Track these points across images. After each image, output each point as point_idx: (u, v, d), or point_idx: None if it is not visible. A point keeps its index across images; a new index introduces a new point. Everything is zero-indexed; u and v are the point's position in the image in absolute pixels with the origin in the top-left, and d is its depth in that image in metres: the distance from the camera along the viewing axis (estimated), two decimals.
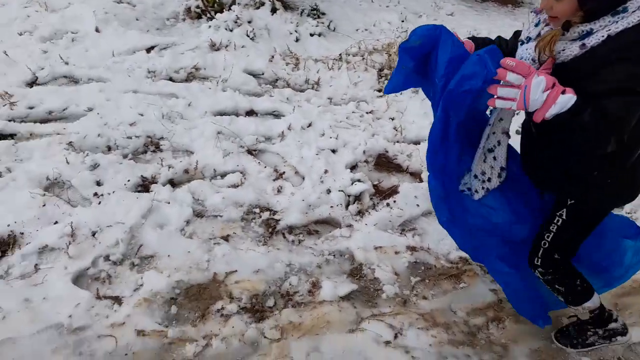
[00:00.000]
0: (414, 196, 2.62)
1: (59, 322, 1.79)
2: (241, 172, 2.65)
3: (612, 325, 1.86)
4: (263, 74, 3.68)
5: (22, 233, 2.10)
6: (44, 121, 2.83)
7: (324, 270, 2.18)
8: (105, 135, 2.72)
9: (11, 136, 2.67)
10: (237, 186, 2.56)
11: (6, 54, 3.30)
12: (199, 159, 2.65)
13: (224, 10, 4.25)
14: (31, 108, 2.87)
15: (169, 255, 2.12)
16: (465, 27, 5.12)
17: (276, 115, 3.26)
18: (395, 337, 1.90)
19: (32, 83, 3.17)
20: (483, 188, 1.68)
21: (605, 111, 1.22)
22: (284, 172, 2.71)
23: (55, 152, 2.55)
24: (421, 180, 2.80)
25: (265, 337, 1.85)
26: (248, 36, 3.94)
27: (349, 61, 3.92)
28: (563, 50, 1.35)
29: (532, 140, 1.57)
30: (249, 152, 2.83)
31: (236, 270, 2.09)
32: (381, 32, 4.66)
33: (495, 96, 1.31)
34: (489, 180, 1.67)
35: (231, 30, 3.95)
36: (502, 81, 1.29)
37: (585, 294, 1.75)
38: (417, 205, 2.57)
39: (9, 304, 1.82)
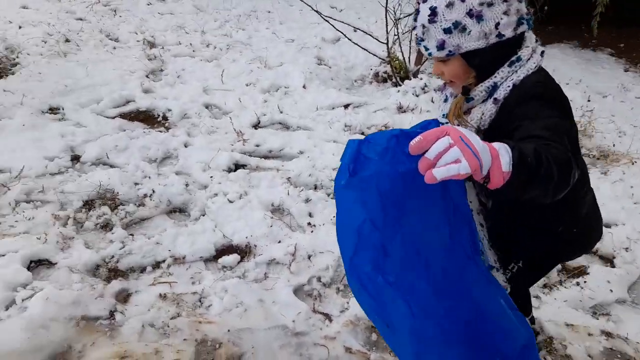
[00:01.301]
0: (606, 280, 2.55)
1: (285, 324, 2.16)
2: None
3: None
4: None
5: (256, 245, 2.60)
6: (266, 157, 3.46)
7: None
8: (314, 175, 3.20)
9: (243, 166, 3.32)
10: None
11: (240, 100, 4.12)
12: None
13: (410, 77, 4.70)
14: (257, 146, 3.54)
15: None
16: None
17: None
18: None
19: (256, 125, 3.89)
20: (505, 281, 1.53)
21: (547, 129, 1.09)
22: None
23: (277, 184, 3.10)
24: (613, 265, 2.70)
25: None
26: (432, 102, 4.29)
27: None
28: (483, 114, 1.30)
29: (499, 220, 1.45)
30: None
31: None
32: None
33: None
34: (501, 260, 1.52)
35: (417, 96, 4.34)
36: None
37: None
38: (611, 290, 2.50)
39: (248, 300, 2.26)
